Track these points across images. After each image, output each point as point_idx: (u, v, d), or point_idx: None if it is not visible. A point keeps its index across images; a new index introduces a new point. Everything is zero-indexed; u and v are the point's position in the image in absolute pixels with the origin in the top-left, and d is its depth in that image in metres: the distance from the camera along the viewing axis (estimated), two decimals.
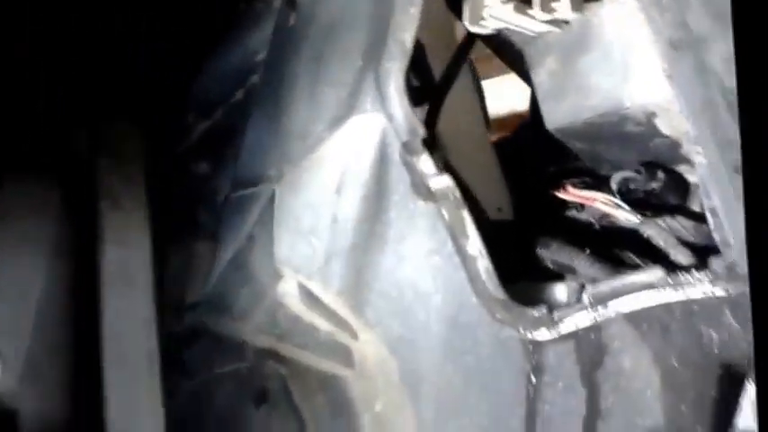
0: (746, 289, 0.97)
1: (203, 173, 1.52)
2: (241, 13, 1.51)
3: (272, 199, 1.35)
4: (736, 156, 0.99)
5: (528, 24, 1.20)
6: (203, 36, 1.52)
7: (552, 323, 1.10)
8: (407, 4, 1.21)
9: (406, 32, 1.21)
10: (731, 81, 0.99)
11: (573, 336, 1.09)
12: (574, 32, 1.23)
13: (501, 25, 1.20)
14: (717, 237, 1.04)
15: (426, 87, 1.33)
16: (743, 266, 1.00)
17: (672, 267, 1.07)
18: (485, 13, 1.18)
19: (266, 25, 1.45)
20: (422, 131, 1.20)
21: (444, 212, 1.17)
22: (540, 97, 1.31)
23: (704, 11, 1.08)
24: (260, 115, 1.43)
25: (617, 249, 1.23)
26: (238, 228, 1.41)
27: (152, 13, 1.51)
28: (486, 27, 1.21)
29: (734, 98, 0.98)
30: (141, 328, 1.28)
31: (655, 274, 1.06)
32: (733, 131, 1.01)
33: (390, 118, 1.21)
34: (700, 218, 1.18)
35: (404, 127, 1.21)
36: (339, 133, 1.27)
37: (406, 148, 1.20)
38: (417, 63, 1.26)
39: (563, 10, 1.18)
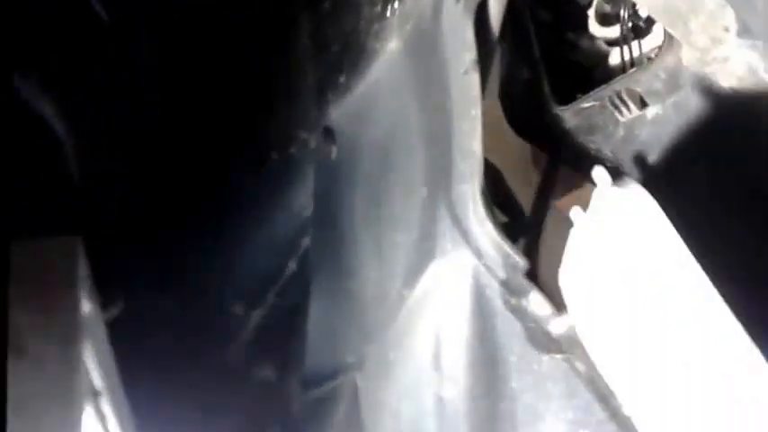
0: None
1: (265, 379, 1.23)
2: (274, 166, 1.23)
3: (356, 392, 1.06)
4: None
5: None
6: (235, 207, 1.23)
7: None
8: (466, 105, 0.92)
9: (473, 140, 0.91)
10: None
11: None
12: None
13: None
14: None
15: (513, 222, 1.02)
16: None
17: None
18: None
19: (307, 173, 1.18)
20: (522, 263, 0.89)
21: (579, 365, 0.86)
22: None
23: None
24: (322, 287, 1.15)
25: None
26: None
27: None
28: None
29: None
30: None
31: None
32: None
33: (479, 254, 0.92)
34: None
35: (498, 261, 0.90)
36: (420, 287, 0.98)
37: (508, 287, 0.90)
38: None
39: None
